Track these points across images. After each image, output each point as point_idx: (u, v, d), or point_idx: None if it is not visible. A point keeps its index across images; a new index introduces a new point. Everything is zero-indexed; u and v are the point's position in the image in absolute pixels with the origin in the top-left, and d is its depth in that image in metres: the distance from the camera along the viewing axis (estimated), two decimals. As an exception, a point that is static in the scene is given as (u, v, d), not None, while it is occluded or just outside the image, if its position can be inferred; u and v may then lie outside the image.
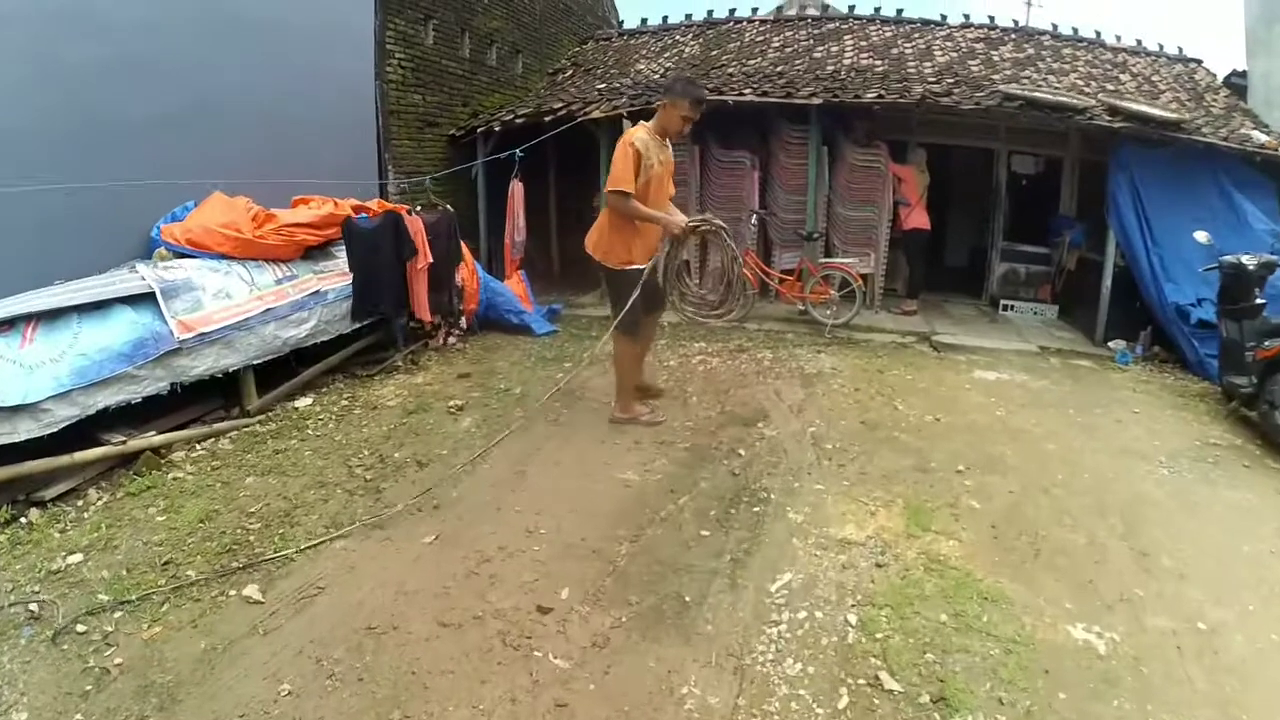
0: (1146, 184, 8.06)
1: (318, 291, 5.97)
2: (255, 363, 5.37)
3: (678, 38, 12.97)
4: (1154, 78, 10.68)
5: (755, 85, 9.15)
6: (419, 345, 7.03)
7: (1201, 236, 7.03)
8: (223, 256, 5.55)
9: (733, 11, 13.28)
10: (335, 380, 6.20)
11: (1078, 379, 7.10)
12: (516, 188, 9.09)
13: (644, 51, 12.65)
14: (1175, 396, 6.67)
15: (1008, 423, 5.65)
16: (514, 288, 8.46)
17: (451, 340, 7.30)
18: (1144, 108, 8.15)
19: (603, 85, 10.80)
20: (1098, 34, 11.93)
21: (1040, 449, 5.15)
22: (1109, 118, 8.02)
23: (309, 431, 5.11)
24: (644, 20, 14.09)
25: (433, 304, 6.95)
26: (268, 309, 5.44)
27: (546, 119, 9.36)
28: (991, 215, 10.32)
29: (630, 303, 4.53)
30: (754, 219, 8.97)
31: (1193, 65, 11.55)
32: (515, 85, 11.88)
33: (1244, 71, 10.79)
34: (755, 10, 13.23)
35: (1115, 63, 11.10)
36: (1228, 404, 6.20)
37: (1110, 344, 8.20)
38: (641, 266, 4.66)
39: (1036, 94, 8.42)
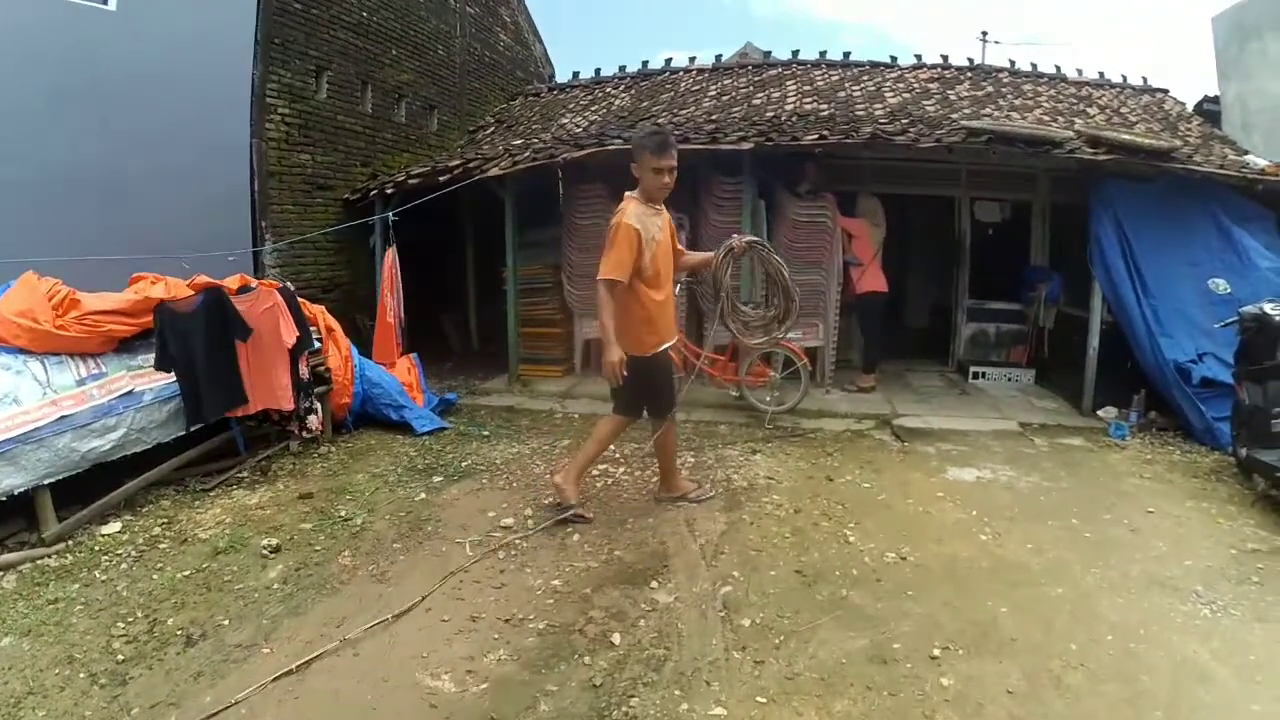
0: (1134, 224, 6.84)
1: (130, 392, 4.88)
2: (49, 481, 4.35)
3: (608, 90, 11.80)
4: (1122, 109, 9.58)
5: (681, 133, 7.82)
6: (279, 448, 5.78)
7: (1220, 285, 5.73)
8: (19, 351, 4.58)
9: (668, 62, 12.15)
10: (165, 495, 5.00)
11: (1073, 467, 5.69)
12: (389, 257, 7.74)
13: (572, 105, 11.45)
14: (1188, 478, 5.44)
15: (997, 553, 4.16)
16: (401, 374, 7.10)
17: (296, 444, 5.90)
18: (1130, 137, 6.91)
19: (519, 141, 9.49)
20: (1058, 69, 10.89)
21: (1044, 598, 3.66)
22: (1091, 150, 6.76)
23: (99, 572, 3.97)
24: (575, 74, 12.91)
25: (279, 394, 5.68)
26: (63, 416, 4.45)
27: (441, 178, 8.03)
28: (955, 270, 8.99)
29: (668, 383, 4.50)
30: (678, 288, 7.49)
31: (1160, 95, 10.59)
32: (428, 144, 10.73)
33: (1216, 96, 9.98)
34: (693, 60, 12.06)
35: (1080, 96, 10.03)
36: (1248, 480, 5.16)
37: (1100, 413, 7.00)
38: (670, 344, 4.45)
39: (1006, 127, 7.16)
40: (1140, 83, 10.77)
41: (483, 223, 9.89)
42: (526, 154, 7.86)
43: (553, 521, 4.43)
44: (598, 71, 12.49)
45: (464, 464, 5.57)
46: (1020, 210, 9.04)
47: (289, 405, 5.70)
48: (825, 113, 9.07)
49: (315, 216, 8.42)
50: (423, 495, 4.96)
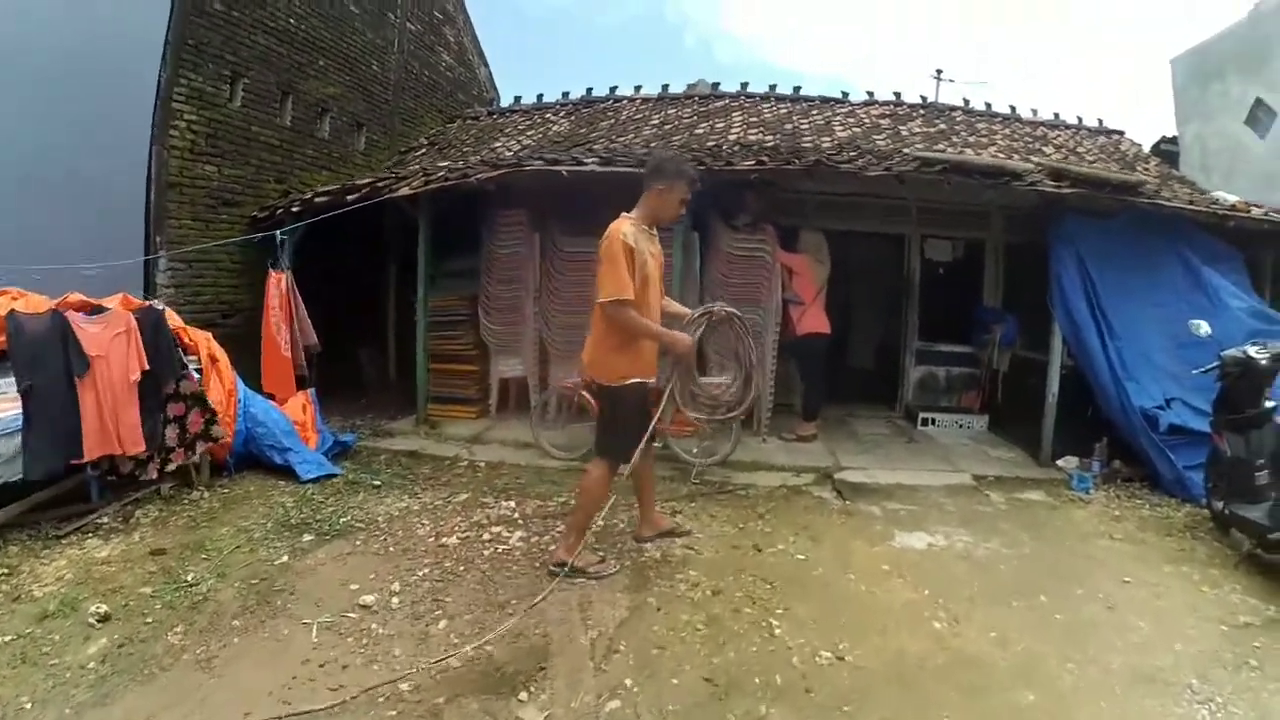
0: (1098, 263, 6.26)
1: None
2: None
3: (548, 116, 11.07)
4: (1078, 149, 9.13)
5: (608, 158, 7.06)
6: (149, 491, 5.06)
7: (1202, 328, 5.14)
8: None
9: (613, 89, 11.45)
10: (15, 540, 4.35)
11: (1035, 528, 4.96)
12: (275, 281, 6.83)
13: (509, 130, 10.70)
14: (1162, 537, 4.91)
15: (954, 646, 3.36)
16: (295, 412, 6.24)
17: (167, 487, 5.14)
18: (1095, 170, 6.32)
19: (445, 164, 8.69)
20: (1013, 108, 10.42)
21: (1014, 707, 2.88)
22: (1054, 183, 6.14)
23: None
24: (517, 99, 12.20)
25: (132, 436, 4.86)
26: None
27: (349, 197, 7.18)
28: (904, 310, 8.32)
29: (633, 422, 3.90)
30: None
31: (1115, 136, 10.20)
32: (354, 163, 9.89)
33: (1173, 138, 9.62)
34: (638, 89, 11.40)
35: (1035, 135, 9.59)
36: (1225, 536, 4.78)
37: (1060, 463, 6.37)
38: (643, 380, 3.92)
39: (962, 157, 6.54)
40: (1096, 124, 10.39)
41: (408, 249, 8.89)
42: (439, 174, 7.01)
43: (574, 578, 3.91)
44: (539, 97, 11.78)
45: (342, 520, 4.78)
46: (973, 249, 8.46)
47: (137, 448, 4.83)
48: (770, 143, 8.44)
49: (219, 234, 7.55)
50: (284, 558, 4.17)
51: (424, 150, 10.60)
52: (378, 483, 5.58)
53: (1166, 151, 9.97)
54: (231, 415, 5.62)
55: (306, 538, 4.47)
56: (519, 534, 4.61)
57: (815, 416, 7.05)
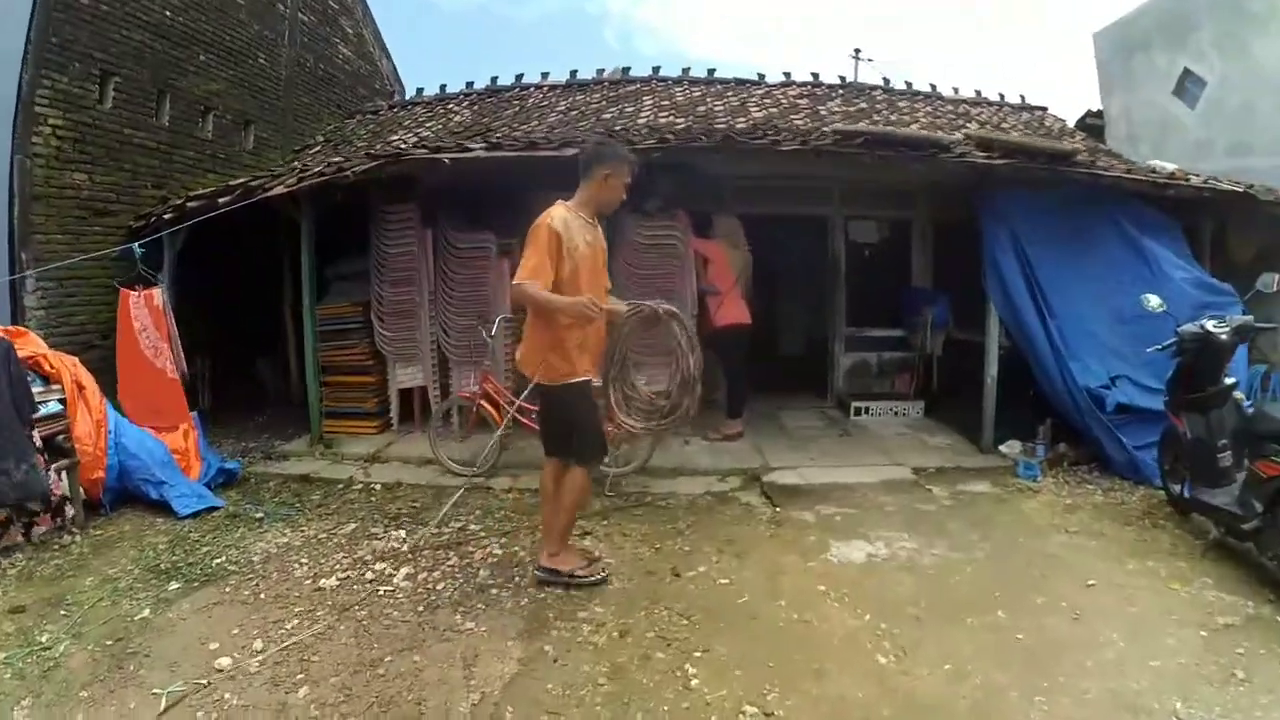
0: (1032, 239, 5.82)
1: None
2: None
3: (451, 106, 10.25)
4: (1003, 125, 8.74)
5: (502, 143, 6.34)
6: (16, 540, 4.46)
7: (1151, 301, 4.69)
8: None
9: (519, 77, 10.68)
10: None
11: (984, 526, 4.46)
12: (143, 298, 6.05)
13: (409, 122, 9.88)
14: (1120, 527, 4.49)
15: (903, 687, 2.77)
16: (175, 440, 5.60)
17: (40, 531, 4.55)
18: (1027, 139, 5.87)
19: (338, 159, 7.87)
20: (934, 86, 10.03)
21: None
22: (983, 154, 5.64)
23: None
24: (419, 90, 11.37)
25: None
26: None
27: (221, 200, 6.38)
28: (831, 296, 7.79)
29: (590, 419, 3.57)
30: (495, 328, 5.88)
31: (1039, 112, 9.88)
32: (241, 163, 8.96)
33: (1099, 111, 9.32)
34: (545, 76, 10.67)
35: (958, 113, 9.18)
36: (1185, 521, 4.48)
37: (1003, 448, 5.92)
38: (589, 377, 3.62)
39: (884, 129, 6.02)
40: (1019, 101, 10.06)
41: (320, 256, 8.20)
42: (313, 170, 6.21)
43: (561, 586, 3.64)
44: (443, 88, 10.94)
45: (215, 562, 4.22)
46: (900, 229, 7.99)
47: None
48: (681, 125, 7.81)
49: (92, 247, 6.67)
50: (146, 612, 3.63)
51: (318, 148, 9.72)
52: (260, 514, 4.98)
53: (1092, 125, 9.77)
54: (102, 448, 5.04)
55: (173, 586, 3.91)
56: (405, 571, 3.95)
57: (740, 413, 6.41)
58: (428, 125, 9.41)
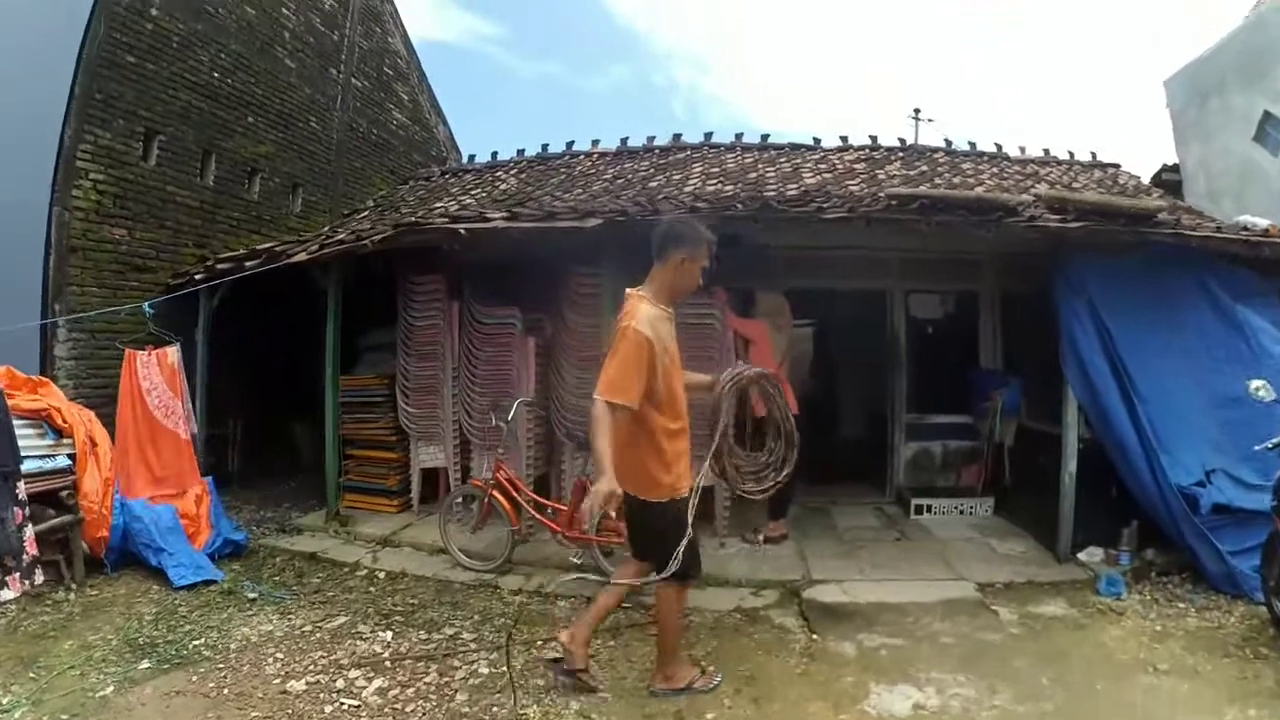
0: (1114, 311, 5.15)
1: None
2: None
3: (499, 174, 10.04)
4: (1074, 185, 8.05)
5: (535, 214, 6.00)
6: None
7: (1258, 389, 4.10)
8: None
9: (570, 144, 10.45)
10: None
11: (1060, 666, 3.73)
12: (157, 357, 5.97)
13: (456, 189, 9.71)
14: (1217, 659, 3.78)
15: None
16: (186, 504, 5.52)
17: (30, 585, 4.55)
18: (1104, 198, 5.27)
19: (362, 228, 7.74)
20: (999, 146, 9.38)
21: None
22: (1056, 217, 5.03)
23: None
24: (471, 157, 11.28)
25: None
26: None
27: (248, 264, 6.39)
28: (890, 378, 7.13)
29: (682, 546, 3.01)
30: (512, 413, 5.37)
31: (1112, 170, 9.12)
32: (288, 226, 8.99)
33: (1174, 165, 8.68)
34: (596, 143, 10.43)
35: (1026, 174, 8.51)
36: None
37: (1083, 556, 5.22)
38: (688, 495, 3.22)
39: (943, 192, 5.49)
40: (1090, 158, 9.36)
41: (345, 317, 8.04)
42: (337, 237, 6.01)
43: (555, 677, 3.44)
44: (494, 155, 10.77)
45: (194, 643, 4.03)
46: (965, 303, 7.33)
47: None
48: (729, 192, 7.39)
49: (129, 302, 6.72)
50: (109, 690, 3.49)
51: (366, 213, 9.64)
52: (254, 595, 4.78)
53: (1168, 181, 9.10)
54: (108, 507, 5.02)
55: (144, 664, 3.75)
56: (377, 684, 3.56)
57: (785, 513, 5.75)
58: (473, 193, 9.21)
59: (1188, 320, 5.27)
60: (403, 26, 11.63)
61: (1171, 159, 9.34)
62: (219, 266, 6.65)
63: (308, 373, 8.72)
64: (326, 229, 8.05)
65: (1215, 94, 8.85)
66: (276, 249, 6.30)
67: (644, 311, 3.13)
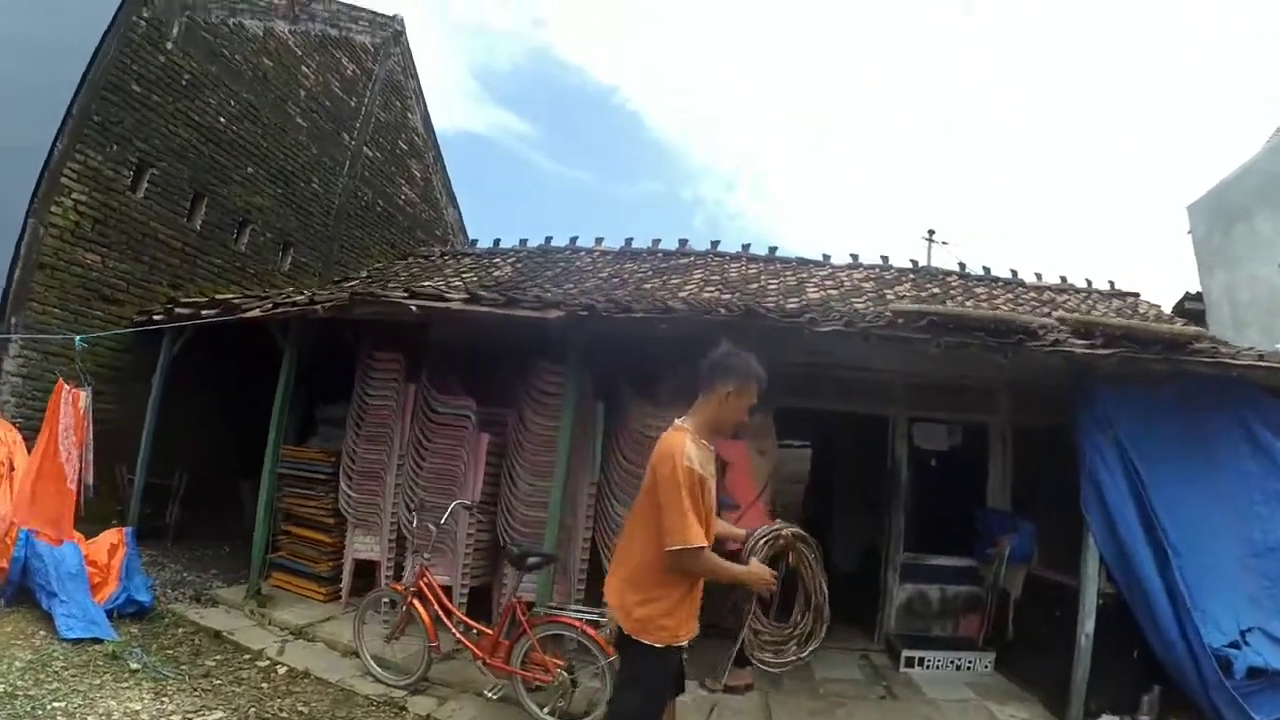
0: (1144, 451, 4.65)
1: None
2: None
3: (497, 260, 9.69)
4: (1092, 313, 7.56)
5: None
6: None
7: None
8: None
9: (573, 239, 10.14)
10: None
11: None
12: (71, 397, 5.46)
13: (449, 271, 9.34)
14: None
15: None
16: (98, 552, 5.09)
17: None
18: (1138, 323, 4.76)
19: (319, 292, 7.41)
20: (1014, 272, 8.98)
21: None
22: (1083, 342, 4.49)
23: None
24: (473, 241, 11.03)
25: None
26: None
27: (205, 312, 6.17)
28: (887, 511, 6.42)
29: (651, 698, 2.79)
30: (445, 517, 4.77)
31: (1131, 299, 8.68)
32: (272, 283, 8.64)
33: (1197, 294, 8.35)
34: (599, 241, 10.08)
35: (1042, 300, 8.07)
36: None
37: None
38: (684, 645, 2.84)
39: (956, 310, 5.00)
40: (1108, 286, 8.93)
41: (317, 379, 7.50)
42: (296, 298, 5.65)
43: None
44: (496, 242, 10.48)
45: (53, 704, 3.63)
46: (974, 435, 6.71)
47: None
48: (726, 299, 6.92)
49: (89, 330, 6.47)
50: None
51: (357, 282, 9.27)
52: (138, 666, 4.27)
53: (1191, 310, 8.67)
54: (12, 538, 4.84)
55: None
56: None
57: (749, 662, 4.92)
58: (465, 276, 8.83)
59: (1224, 460, 4.74)
60: (424, 105, 11.62)
61: (1193, 286, 9.00)
62: (178, 310, 6.47)
63: (264, 434, 8.24)
64: (289, 289, 7.68)
65: (1241, 219, 8.49)
66: (234, 301, 6.01)
67: (690, 448, 2.79)
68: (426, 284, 8.03)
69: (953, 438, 7.07)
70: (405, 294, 5.09)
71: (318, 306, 5.26)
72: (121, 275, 6.93)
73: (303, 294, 6.02)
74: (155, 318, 6.60)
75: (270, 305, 5.64)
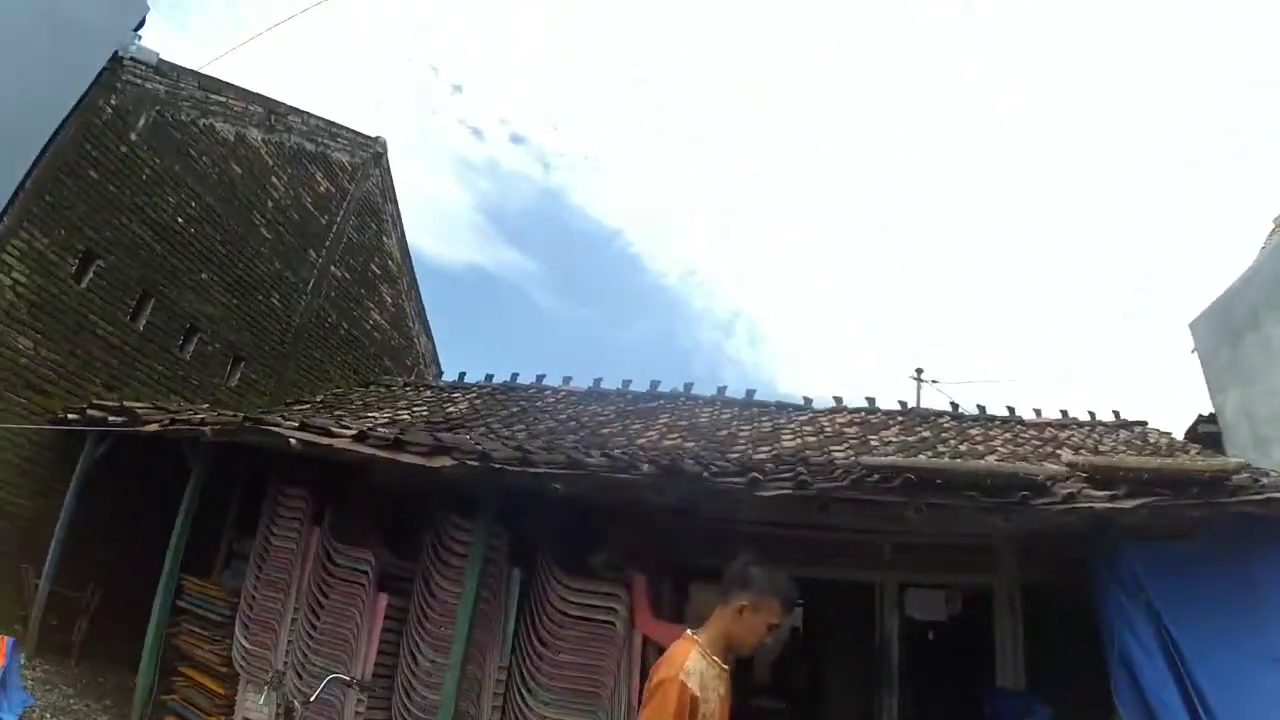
0: (1181, 617, 3.95)
1: None
2: None
3: (456, 395, 9.07)
4: (1100, 448, 6.89)
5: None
6: None
7: None
8: None
9: (540, 377, 9.54)
10: None
11: None
12: None
13: (402, 403, 8.68)
14: None
15: None
16: None
17: None
18: (1164, 462, 4.10)
19: (215, 414, 6.71)
20: (1011, 410, 8.38)
21: None
22: (1104, 493, 3.78)
23: None
24: (438, 374, 10.44)
25: None
26: None
27: (111, 419, 5.89)
28: (878, 696, 5.49)
29: None
30: (315, 694, 4.14)
31: (1139, 428, 8.03)
32: (215, 398, 8.00)
33: (1211, 415, 7.89)
34: (568, 380, 9.50)
35: (1044, 439, 7.36)
36: None
37: None
38: None
39: (942, 465, 4.30)
40: (1113, 417, 8.31)
41: (245, 496, 6.89)
42: (192, 417, 5.03)
43: None
44: (461, 375, 9.92)
45: None
46: (977, 600, 5.85)
47: None
48: (689, 447, 6.24)
49: (10, 419, 6.05)
50: None
51: (309, 407, 8.59)
52: None
53: (1206, 434, 7.88)
54: None
55: None
56: None
57: None
58: (417, 409, 8.19)
59: (1267, 612, 4.03)
60: (401, 228, 11.37)
61: (1204, 408, 8.34)
62: (89, 413, 6.07)
63: (192, 552, 7.37)
64: (204, 406, 7.04)
65: (1249, 330, 7.84)
66: (138, 411, 5.62)
67: (693, 664, 2.42)
68: (382, 420, 7.39)
69: (951, 605, 6.20)
70: (294, 425, 4.50)
71: (205, 429, 4.76)
72: (53, 366, 6.48)
73: (198, 414, 5.41)
74: (70, 417, 6.15)
75: (169, 421, 5.18)
